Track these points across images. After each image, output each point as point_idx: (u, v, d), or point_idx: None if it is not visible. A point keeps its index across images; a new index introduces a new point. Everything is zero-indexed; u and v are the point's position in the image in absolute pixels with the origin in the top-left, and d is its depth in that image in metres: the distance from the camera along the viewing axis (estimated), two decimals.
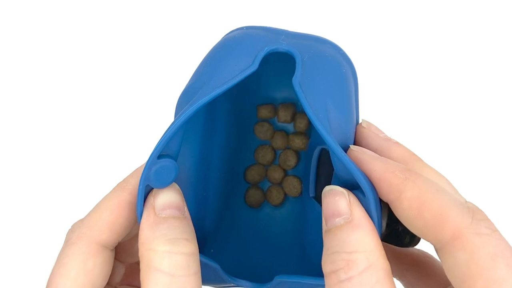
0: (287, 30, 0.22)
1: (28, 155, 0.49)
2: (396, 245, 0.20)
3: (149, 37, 0.53)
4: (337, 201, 0.17)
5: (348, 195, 0.17)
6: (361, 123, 0.21)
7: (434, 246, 0.17)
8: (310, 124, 0.28)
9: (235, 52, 0.20)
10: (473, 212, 0.16)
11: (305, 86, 0.18)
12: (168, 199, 0.19)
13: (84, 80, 0.52)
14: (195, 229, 0.20)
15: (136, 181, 0.20)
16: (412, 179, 0.17)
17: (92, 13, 0.54)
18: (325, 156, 0.24)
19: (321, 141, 0.25)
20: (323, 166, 0.25)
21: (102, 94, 0.51)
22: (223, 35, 0.23)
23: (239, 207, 0.29)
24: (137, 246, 0.19)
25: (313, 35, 0.22)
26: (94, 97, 0.51)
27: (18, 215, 0.47)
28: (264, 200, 0.29)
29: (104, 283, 0.20)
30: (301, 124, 0.28)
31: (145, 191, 0.19)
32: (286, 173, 0.29)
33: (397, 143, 0.20)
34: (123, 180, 0.20)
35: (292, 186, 0.28)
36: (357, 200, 0.17)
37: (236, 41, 0.21)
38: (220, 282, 0.22)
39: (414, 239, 0.19)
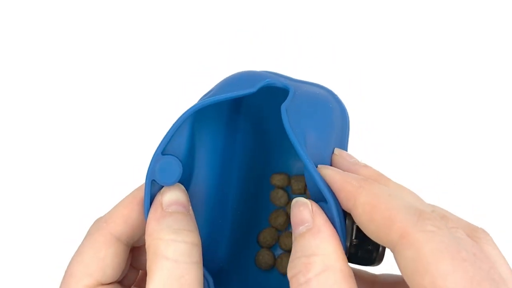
0: (292, 77, 0.25)
1: (32, 156, 0.49)
2: (368, 265, 0.21)
3: (154, 39, 0.53)
4: (301, 211, 0.19)
5: (311, 205, 0.19)
6: (334, 152, 0.23)
7: (389, 248, 0.17)
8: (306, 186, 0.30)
9: (242, 79, 0.24)
10: (420, 212, 0.17)
11: (290, 113, 0.21)
12: (174, 196, 0.21)
13: (91, 83, 0.52)
14: (209, 255, 0.21)
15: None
16: (366, 187, 0.18)
17: (97, 14, 0.54)
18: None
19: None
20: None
21: (110, 96, 0.51)
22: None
23: (249, 267, 0.29)
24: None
25: (313, 82, 0.25)
26: (101, 99, 0.51)
27: (22, 215, 0.47)
28: (273, 265, 0.29)
29: (116, 274, 0.22)
30: (295, 186, 0.29)
31: (153, 191, 0.21)
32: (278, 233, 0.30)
33: (365, 165, 0.21)
34: (140, 185, 0.22)
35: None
36: (319, 209, 0.19)
37: (246, 73, 0.25)
38: None
39: (379, 254, 0.20)
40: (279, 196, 0.30)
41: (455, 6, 0.53)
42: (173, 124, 0.21)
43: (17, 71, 0.52)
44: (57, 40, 0.53)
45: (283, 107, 0.21)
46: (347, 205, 0.18)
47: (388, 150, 0.48)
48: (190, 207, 0.21)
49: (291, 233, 0.29)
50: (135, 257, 0.24)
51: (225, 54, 0.52)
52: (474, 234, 0.18)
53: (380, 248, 0.20)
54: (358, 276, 0.25)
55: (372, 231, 0.17)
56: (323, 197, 0.19)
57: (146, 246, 0.20)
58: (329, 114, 0.23)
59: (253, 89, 0.22)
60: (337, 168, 0.21)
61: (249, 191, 0.29)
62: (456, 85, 0.51)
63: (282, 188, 0.30)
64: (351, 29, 0.53)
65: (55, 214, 0.47)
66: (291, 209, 0.19)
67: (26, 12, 0.53)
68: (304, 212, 0.19)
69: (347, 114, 0.25)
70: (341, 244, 0.18)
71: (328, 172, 0.20)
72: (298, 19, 0.54)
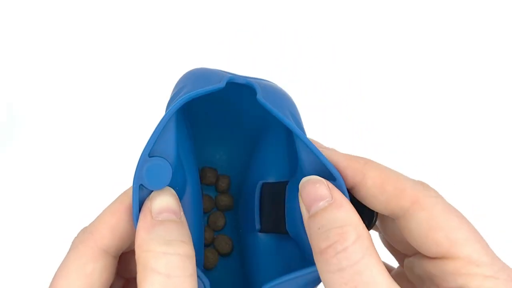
0: (241, 74, 0.25)
1: (31, 157, 0.49)
2: None
3: (152, 39, 0.53)
4: (318, 188, 0.19)
5: (325, 181, 0.20)
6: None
7: (395, 215, 0.20)
8: (230, 184, 0.31)
9: (206, 74, 0.24)
10: (422, 183, 0.20)
11: (268, 101, 0.21)
12: (164, 203, 0.19)
13: (85, 81, 0.52)
14: (200, 256, 0.20)
15: None
16: (371, 163, 0.20)
17: (96, 13, 0.54)
18: (267, 190, 0.27)
19: (259, 176, 0.28)
20: (265, 200, 0.27)
21: (105, 95, 0.51)
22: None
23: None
24: (135, 261, 0.19)
25: (261, 78, 0.26)
26: (96, 98, 0.51)
27: (19, 217, 0.47)
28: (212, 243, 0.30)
29: None
30: (223, 184, 0.30)
31: (142, 196, 0.20)
32: (214, 234, 0.30)
33: (334, 149, 0.22)
34: (127, 189, 0.21)
35: (225, 242, 0.29)
36: (332, 185, 0.20)
37: (205, 69, 0.25)
38: None
39: (371, 222, 0.22)
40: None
41: (455, 6, 0.53)
42: (159, 123, 0.19)
43: (15, 71, 0.52)
44: (54, 41, 0.53)
45: (259, 98, 0.21)
46: (353, 181, 0.20)
47: (388, 150, 0.48)
48: (182, 214, 0.20)
49: (208, 227, 0.30)
50: (121, 265, 0.23)
51: (225, 54, 0.52)
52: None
53: (375, 217, 0.22)
54: None
55: (381, 201, 0.20)
56: (324, 177, 0.20)
57: (136, 257, 0.18)
58: (292, 103, 0.24)
59: (221, 85, 0.21)
60: None
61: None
62: (456, 85, 0.51)
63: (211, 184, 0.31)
64: (351, 29, 0.53)
65: (54, 218, 0.47)
66: (302, 188, 0.20)
67: (16, 10, 0.53)
68: (322, 188, 0.19)
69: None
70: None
71: (328, 152, 0.21)
72: (298, 19, 0.54)
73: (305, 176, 0.20)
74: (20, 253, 0.46)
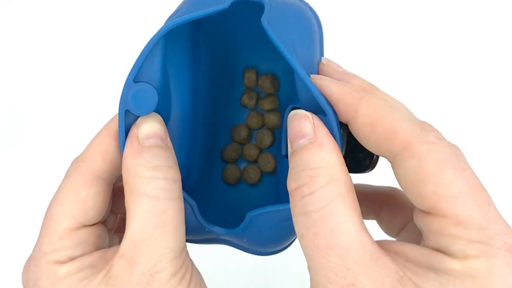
0: None
1: (29, 152, 0.49)
2: (359, 172, 0.21)
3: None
4: (302, 124, 0.18)
5: (312, 117, 0.18)
6: (321, 61, 0.22)
7: (388, 159, 0.18)
8: (279, 87, 0.30)
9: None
10: (422, 124, 0.17)
11: (272, 24, 0.20)
12: (151, 129, 0.19)
13: (85, 83, 0.52)
14: (184, 180, 0.20)
15: None
16: (367, 98, 0.18)
17: (93, 13, 0.54)
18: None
19: (292, 101, 0.26)
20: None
21: (104, 97, 0.51)
22: None
23: (217, 183, 0.29)
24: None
25: None
26: (96, 100, 0.51)
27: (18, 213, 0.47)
28: (240, 178, 0.30)
29: (99, 215, 0.20)
30: (266, 83, 0.29)
31: (128, 122, 0.19)
32: (261, 151, 0.30)
33: (355, 75, 0.20)
34: (114, 116, 0.21)
35: (267, 161, 0.29)
36: (320, 122, 0.18)
37: None
38: (197, 231, 0.23)
39: (372, 161, 0.20)
40: (250, 96, 0.30)
41: (454, 6, 0.53)
42: (144, 48, 0.19)
43: (7, 70, 0.52)
44: (47, 40, 0.53)
45: (263, 19, 0.20)
46: (346, 116, 0.18)
47: None
48: (169, 139, 0.20)
49: (254, 145, 0.30)
50: (114, 202, 0.23)
51: None
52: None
53: (374, 156, 0.20)
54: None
55: (372, 143, 0.17)
56: (318, 110, 0.18)
57: (124, 182, 0.19)
58: (310, 25, 0.23)
59: (225, 5, 0.20)
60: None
61: (215, 110, 0.29)
62: (456, 86, 0.51)
63: (252, 89, 0.30)
64: (350, 29, 0.53)
65: None
66: (288, 122, 0.19)
67: (16, 11, 0.54)
68: (305, 125, 0.18)
69: (321, 24, 0.24)
70: (342, 157, 0.17)
71: (324, 83, 0.19)
72: None
73: (302, 104, 0.20)
74: (19, 253, 0.45)
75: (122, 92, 0.19)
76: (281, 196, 0.27)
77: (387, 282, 0.15)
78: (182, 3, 0.22)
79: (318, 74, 0.21)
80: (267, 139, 0.29)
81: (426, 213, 0.16)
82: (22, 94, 0.51)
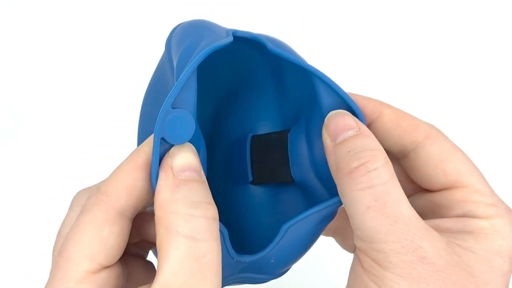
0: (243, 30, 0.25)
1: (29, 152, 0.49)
2: None
3: (148, 40, 0.53)
4: (347, 119, 0.20)
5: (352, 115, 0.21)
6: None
7: (406, 150, 0.22)
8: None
9: (213, 27, 0.22)
10: (431, 124, 0.22)
11: (279, 49, 0.22)
12: (186, 160, 0.18)
13: (85, 83, 0.52)
14: None
15: (151, 145, 0.18)
16: (386, 103, 0.22)
17: (93, 12, 0.54)
18: (257, 142, 0.28)
19: (247, 129, 0.28)
20: (258, 152, 0.28)
21: (104, 97, 0.51)
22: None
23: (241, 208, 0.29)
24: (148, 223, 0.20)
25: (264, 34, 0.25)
26: (97, 100, 0.51)
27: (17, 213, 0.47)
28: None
29: (119, 255, 0.19)
30: None
31: (161, 151, 0.18)
32: None
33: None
34: (139, 146, 0.19)
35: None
36: (357, 119, 0.21)
37: (207, 22, 0.23)
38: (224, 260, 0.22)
39: None
40: None
41: (453, 6, 0.53)
42: (184, 73, 0.18)
43: (7, 70, 0.52)
44: (47, 40, 0.53)
45: (270, 47, 0.22)
46: (371, 117, 0.22)
47: None
48: (203, 173, 0.18)
49: None
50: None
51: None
52: None
53: None
54: None
55: (396, 135, 0.21)
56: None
57: (156, 218, 0.17)
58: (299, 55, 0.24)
59: (230, 39, 0.21)
60: None
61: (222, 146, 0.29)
62: (455, 86, 0.51)
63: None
64: (349, 30, 0.53)
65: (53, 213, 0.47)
66: (329, 120, 0.21)
67: (16, 10, 0.53)
68: (350, 119, 0.20)
69: None
70: None
71: (348, 92, 0.22)
72: (295, 19, 0.54)
73: (326, 115, 0.21)
74: (20, 252, 0.46)
75: (159, 118, 0.17)
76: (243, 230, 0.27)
77: (440, 246, 0.18)
78: (189, 33, 0.22)
79: None
80: None
81: (445, 190, 0.21)
82: (22, 94, 0.51)
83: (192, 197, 0.17)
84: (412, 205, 0.21)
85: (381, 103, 0.22)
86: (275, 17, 0.54)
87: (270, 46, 0.22)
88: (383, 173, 0.19)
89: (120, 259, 0.19)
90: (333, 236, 0.27)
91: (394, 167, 0.20)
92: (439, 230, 0.19)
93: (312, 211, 0.21)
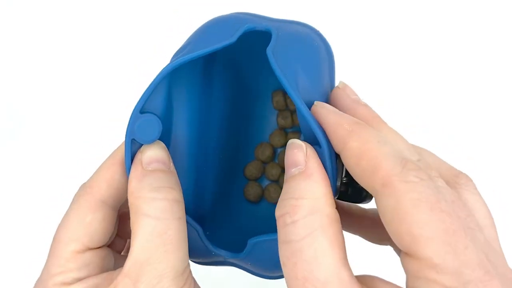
0: (270, 17, 0.25)
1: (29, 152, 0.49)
2: (358, 202, 0.22)
3: (148, 40, 0.53)
4: (295, 154, 0.18)
5: (306, 148, 0.19)
6: (338, 84, 0.22)
7: (372, 194, 0.18)
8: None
9: (220, 27, 0.23)
10: (406, 162, 0.17)
11: (277, 55, 0.20)
12: (154, 154, 0.20)
13: (85, 83, 0.52)
14: (195, 203, 0.21)
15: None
16: (357, 131, 0.18)
17: (93, 12, 0.54)
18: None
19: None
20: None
21: (104, 96, 0.51)
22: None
23: (237, 202, 0.30)
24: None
25: (292, 20, 0.25)
26: (97, 100, 0.51)
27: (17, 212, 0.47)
28: (262, 196, 0.30)
29: (104, 239, 0.21)
30: (296, 121, 0.29)
31: (133, 150, 0.21)
32: (282, 171, 0.30)
33: (365, 105, 0.21)
34: (118, 146, 0.22)
35: None
36: (314, 152, 0.18)
37: (222, 19, 0.24)
38: (204, 254, 0.23)
39: (369, 193, 0.20)
40: (284, 116, 0.30)
41: (451, 6, 0.53)
42: (151, 83, 0.20)
43: (7, 70, 0.52)
44: (46, 39, 0.53)
45: (269, 50, 0.20)
46: (337, 148, 0.18)
47: None
48: (172, 164, 0.21)
49: (276, 164, 0.30)
50: (121, 227, 0.24)
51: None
52: (456, 180, 0.19)
53: None
54: (348, 211, 0.26)
55: (358, 176, 0.18)
56: (316, 141, 0.19)
57: (129, 204, 0.20)
58: (316, 53, 0.23)
59: (232, 39, 0.21)
60: (336, 102, 0.21)
61: (230, 134, 0.29)
62: (455, 86, 0.51)
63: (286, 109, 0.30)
64: (348, 29, 0.53)
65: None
66: (286, 150, 0.19)
67: (16, 11, 0.53)
68: (298, 155, 0.18)
69: (331, 50, 0.24)
70: (331, 189, 0.18)
71: (323, 112, 0.19)
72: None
73: (304, 134, 0.20)
74: (20, 252, 0.46)
75: (129, 123, 0.20)
76: None
77: None
78: (192, 35, 0.23)
79: (329, 98, 0.22)
80: None
81: (405, 253, 0.16)
82: (22, 94, 0.51)
83: (156, 184, 0.19)
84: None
85: (351, 130, 0.18)
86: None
87: (269, 47, 0.21)
88: (301, 228, 0.16)
89: (122, 255, 0.22)
90: (356, 234, 0.26)
91: None
92: None
93: (272, 236, 0.21)
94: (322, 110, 0.19)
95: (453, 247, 0.15)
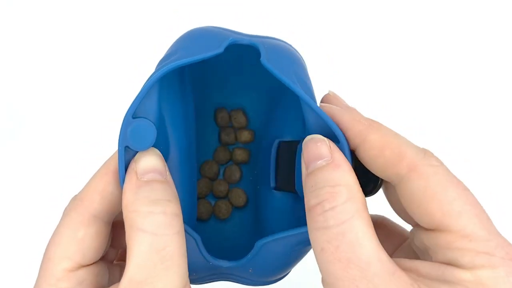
0: (244, 32, 0.25)
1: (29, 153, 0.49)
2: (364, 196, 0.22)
3: (148, 40, 0.53)
4: (319, 147, 0.19)
5: (328, 141, 0.19)
6: (328, 93, 0.23)
7: (393, 182, 0.19)
8: (248, 121, 0.31)
9: (205, 37, 0.23)
10: (425, 150, 0.19)
11: (272, 62, 0.21)
12: (149, 163, 0.19)
13: (86, 83, 0.52)
14: (189, 214, 0.21)
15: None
16: (374, 125, 0.19)
17: (92, 12, 0.54)
18: (283, 149, 0.27)
19: (278, 134, 0.28)
20: (281, 159, 0.27)
21: (104, 96, 0.51)
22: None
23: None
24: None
25: (268, 36, 0.25)
26: (97, 100, 0.51)
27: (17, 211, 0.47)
28: (212, 213, 0.30)
29: (97, 255, 0.20)
30: (244, 118, 0.30)
31: (127, 158, 0.19)
32: (229, 186, 0.31)
33: (356, 111, 0.22)
34: (111, 156, 0.21)
35: (238, 196, 0.30)
36: (335, 145, 0.19)
37: (205, 30, 0.24)
38: (199, 267, 0.22)
39: (376, 186, 0.21)
40: (227, 133, 0.31)
41: (447, 9, 0.53)
42: (143, 87, 0.19)
43: (7, 70, 0.52)
44: (46, 39, 0.53)
45: (263, 59, 0.21)
46: (355, 142, 0.19)
47: None
48: (168, 173, 0.20)
49: (223, 180, 0.30)
50: (114, 237, 0.23)
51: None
52: None
53: (379, 181, 0.21)
54: None
55: (379, 165, 0.19)
56: (328, 138, 0.20)
57: (124, 218, 0.19)
58: (300, 63, 0.24)
59: (220, 49, 0.21)
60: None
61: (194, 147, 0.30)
62: (452, 88, 0.51)
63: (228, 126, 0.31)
64: (345, 33, 0.53)
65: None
66: (304, 145, 0.19)
67: (16, 10, 0.53)
68: (322, 148, 0.19)
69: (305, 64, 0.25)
70: (357, 178, 0.19)
71: (335, 111, 0.20)
72: (293, 20, 0.54)
73: (310, 132, 0.20)
74: (20, 252, 0.46)
75: (121, 129, 0.19)
76: (261, 229, 0.28)
77: None
78: (176, 43, 0.23)
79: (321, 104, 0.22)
80: (235, 174, 0.30)
81: (432, 230, 0.18)
82: (22, 94, 0.51)
83: (152, 196, 0.18)
84: (413, 239, 0.20)
85: (369, 125, 0.19)
86: (275, 17, 0.54)
87: (263, 57, 0.21)
88: (341, 212, 0.17)
89: (115, 264, 0.21)
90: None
91: (394, 190, 0.19)
92: (418, 274, 0.18)
93: (288, 233, 0.21)
94: (333, 110, 0.20)
95: (479, 219, 0.17)
